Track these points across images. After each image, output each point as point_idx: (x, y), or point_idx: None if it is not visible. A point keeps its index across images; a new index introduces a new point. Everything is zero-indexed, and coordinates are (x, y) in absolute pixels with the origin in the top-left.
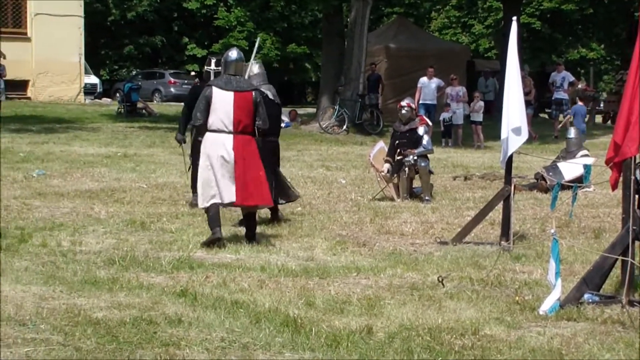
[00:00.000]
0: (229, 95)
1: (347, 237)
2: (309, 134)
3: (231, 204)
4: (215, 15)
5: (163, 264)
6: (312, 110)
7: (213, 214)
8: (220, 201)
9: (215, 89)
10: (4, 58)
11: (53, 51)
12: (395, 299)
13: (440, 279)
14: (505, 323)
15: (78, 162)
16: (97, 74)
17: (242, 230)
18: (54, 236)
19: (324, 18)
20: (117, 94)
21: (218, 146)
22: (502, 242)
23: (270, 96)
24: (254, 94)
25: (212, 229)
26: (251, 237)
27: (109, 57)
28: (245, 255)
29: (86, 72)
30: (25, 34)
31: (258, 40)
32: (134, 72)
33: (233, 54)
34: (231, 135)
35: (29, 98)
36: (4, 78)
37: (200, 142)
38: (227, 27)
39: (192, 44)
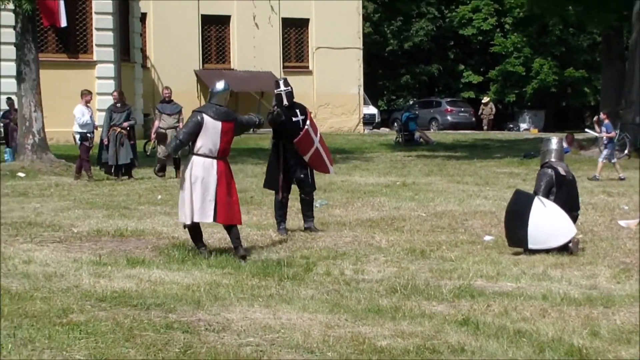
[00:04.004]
0: (218, 124)
1: (631, 264)
2: (589, 160)
3: (210, 222)
4: (492, 42)
5: (444, 292)
6: (591, 135)
7: (195, 233)
8: (199, 220)
9: (206, 117)
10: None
11: (333, 83)
12: None
13: None
14: None
15: (358, 191)
16: (375, 105)
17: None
18: (337, 265)
19: (603, 40)
20: (395, 124)
21: (203, 169)
22: None
23: (563, 172)
24: (234, 123)
25: (197, 246)
26: (239, 243)
27: (386, 88)
28: (526, 283)
29: (365, 103)
30: (307, 67)
31: None
32: (411, 102)
33: (221, 85)
34: (216, 160)
35: None
36: None
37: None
38: (503, 53)
39: (468, 71)
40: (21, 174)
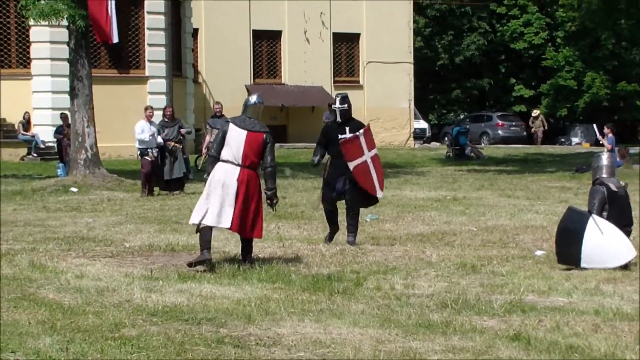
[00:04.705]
0: (243, 133)
1: None
2: None
3: (226, 229)
4: (543, 56)
5: (495, 307)
6: None
7: (206, 237)
8: (215, 224)
9: (232, 125)
10: None
11: (384, 98)
12: None
13: None
14: None
15: (409, 206)
16: (425, 119)
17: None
18: (387, 279)
19: None
20: (446, 138)
21: (225, 174)
22: None
23: (614, 188)
24: (264, 135)
25: (201, 250)
26: (248, 259)
27: (437, 102)
28: (578, 298)
29: (415, 117)
30: (358, 82)
31: None
32: (461, 116)
33: (253, 98)
34: (239, 168)
35: None
36: None
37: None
38: (555, 67)
39: (519, 85)
40: (74, 189)
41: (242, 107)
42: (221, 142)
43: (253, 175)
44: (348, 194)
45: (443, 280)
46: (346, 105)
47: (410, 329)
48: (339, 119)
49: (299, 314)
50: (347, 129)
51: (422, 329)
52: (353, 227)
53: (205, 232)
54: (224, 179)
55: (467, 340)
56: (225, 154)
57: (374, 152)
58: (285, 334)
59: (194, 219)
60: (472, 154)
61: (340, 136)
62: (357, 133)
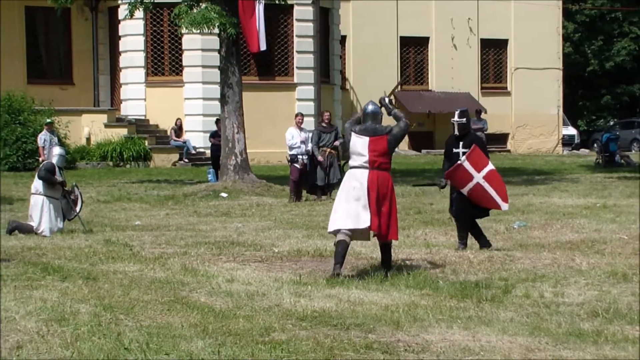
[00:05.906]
0: (365, 139)
1: None
2: None
3: (366, 230)
4: None
5: None
6: None
7: (341, 250)
8: (355, 226)
9: (353, 134)
10: (485, 112)
11: (532, 104)
12: None
13: None
14: None
15: (557, 213)
16: (574, 125)
17: None
18: (536, 287)
19: None
20: (595, 145)
21: (354, 179)
22: None
23: None
24: (387, 137)
25: (334, 264)
26: (386, 266)
27: (586, 108)
28: None
29: (564, 124)
30: (506, 88)
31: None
32: (611, 122)
33: (369, 107)
34: (367, 170)
35: (508, 151)
36: (485, 132)
37: None
38: None
39: None
40: (224, 194)
41: (361, 116)
42: (346, 150)
43: (384, 175)
44: (455, 205)
45: (593, 289)
46: (464, 119)
47: (561, 338)
48: (456, 132)
49: (447, 320)
50: (461, 143)
51: (572, 337)
52: (477, 238)
53: (340, 245)
54: (354, 184)
55: (619, 350)
56: (352, 161)
57: (486, 170)
58: (434, 340)
59: (332, 226)
60: (622, 161)
61: (454, 150)
62: (459, 161)
